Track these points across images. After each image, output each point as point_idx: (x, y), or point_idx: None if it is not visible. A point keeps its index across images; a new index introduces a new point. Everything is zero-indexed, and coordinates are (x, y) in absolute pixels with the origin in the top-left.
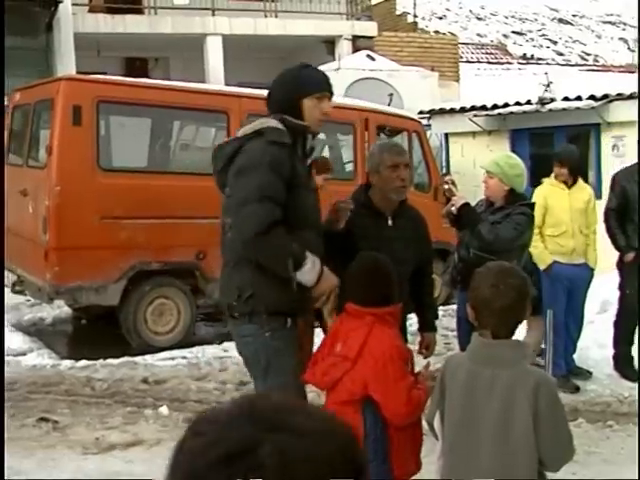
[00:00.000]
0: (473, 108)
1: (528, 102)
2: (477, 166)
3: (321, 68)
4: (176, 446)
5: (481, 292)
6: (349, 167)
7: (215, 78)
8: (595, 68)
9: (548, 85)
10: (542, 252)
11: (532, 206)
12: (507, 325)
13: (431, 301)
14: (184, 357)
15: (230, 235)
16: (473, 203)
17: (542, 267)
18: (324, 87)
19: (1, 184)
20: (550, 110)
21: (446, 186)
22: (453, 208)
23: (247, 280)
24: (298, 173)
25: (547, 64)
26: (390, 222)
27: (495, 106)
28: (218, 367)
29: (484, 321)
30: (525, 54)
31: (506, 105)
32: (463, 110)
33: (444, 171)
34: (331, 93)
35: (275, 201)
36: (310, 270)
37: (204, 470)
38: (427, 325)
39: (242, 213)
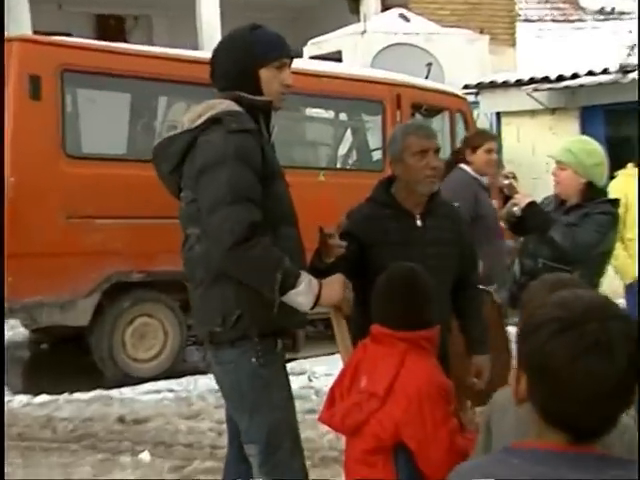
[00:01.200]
0: (533, 80)
1: (605, 71)
2: (537, 153)
3: (343, 31)
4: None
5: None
6: (377, 155)
7: (210, 43)
8: None
9: (632, 48)
10: (625, 262)
11: (615, 203)
12: None
13: (479, 316)
14: (171, 390)
15: (199, 249)
16: (535, 198)
17: (626, 281)
18: (283, 52)
19: (1, 184)
20: (633, 80)
21: (505, 181)
22: (516, 209)
23: (231, 300)
24: (269, 160)
25: (631, 19)
26: (419, 222)
27: (561, 77)
28: (213, 402)
29: None
30: (603, 8)
31: (575, 76)
32: (520, 83)
33: None
34: (291, 58)
35: (251, 199)
36: (305, 292)
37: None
38: (476, 346)
39: (213, 220)
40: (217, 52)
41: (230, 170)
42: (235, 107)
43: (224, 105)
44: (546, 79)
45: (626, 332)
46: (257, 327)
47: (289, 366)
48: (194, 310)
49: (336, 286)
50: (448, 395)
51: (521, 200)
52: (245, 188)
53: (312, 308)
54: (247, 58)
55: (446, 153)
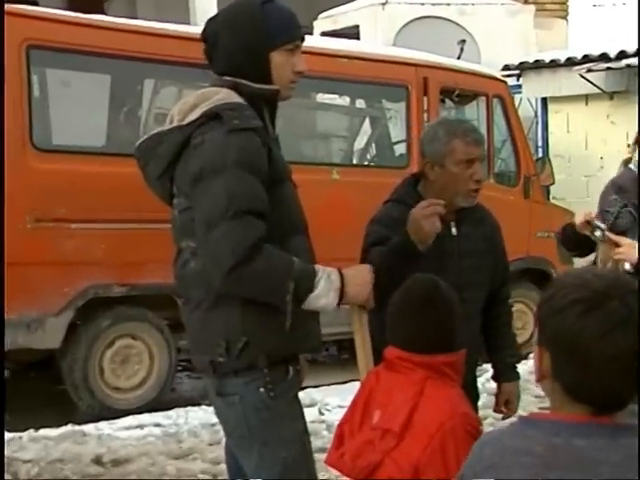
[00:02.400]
0: (587, 59)
1: None
2: (590, 146)
3: (360, 2)
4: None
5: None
6: (400, 149)
7: (204, 17)
8: None
9: None
10: None
11: None
12: None
13: (510, 337)
14: (158, 424)
15: (194, 265)
16: (585, 200)
17: None
18: (297, 32)
19: (1, 183)
20: None
21: (597, 233)
22: (627, 266)
23: (236, 325)
24: (276, 162)
25: None
26: (454, 230)
27: (622, 55)
28: (207, 439)
29: None
30: None
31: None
32: (571, 62)
33: (540, 154)
34: (303, 39)
35: (255, 212)
36: (326, 291)
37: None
38: (507, 372)
39: (211, 238)
40: (218, 28)
41: (230, 179)
42: (235, 97)
43: (221, 95)
44: (603, 57)
45: None
46: (266, 355)
47: None
48: (191, 336)
49: (362, 278)
50: (475, 430)
51: (630, 255)
52: (248, 200)
53: (338, 306)
54: (257, 38)
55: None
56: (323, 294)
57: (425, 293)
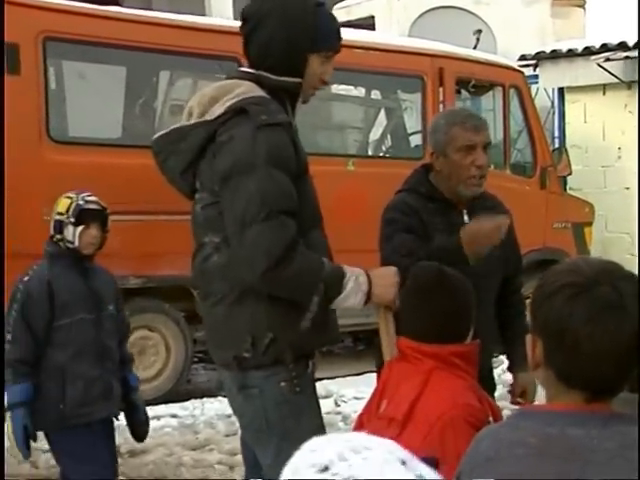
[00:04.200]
0: (605, 48)
1: None
2: (608, 137)
3: None
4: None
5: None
6: (415, 140)
7: (220, 9)
8: None
9: None
10: None
11: None
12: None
13: (524, 327)
14: (174, 416)
15: (218, 259)
16: (602, 191)
17: None
18: (338, 43)
19: (1, 184)
20: None
21: None
22: None
23: (262, 320)
24: (301, 156)
25: None
26: (466, 218)
27: None
28: (223, 430)
29: None
30: None
31: None
32: (589, 52)
33: (557, 144)
34: (338, 52)
35: (288, 212)
36: (354, 293)
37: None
38: (520, 362)
39: (246, 239)
40: (264, 13)
41: (262, 177)
42: (257, 91)
43: (243, 89)
44: (622, 46)
45: (634, 291)
46: (292, 350)
47: None
48: (211, 330)
49: (389, 280)
50: (477, 421)
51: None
52: (281, 199)
53: (365, 305)
54: (305, 36)
55: (498, 137)
56: (351, 295)
57: (431, 280)
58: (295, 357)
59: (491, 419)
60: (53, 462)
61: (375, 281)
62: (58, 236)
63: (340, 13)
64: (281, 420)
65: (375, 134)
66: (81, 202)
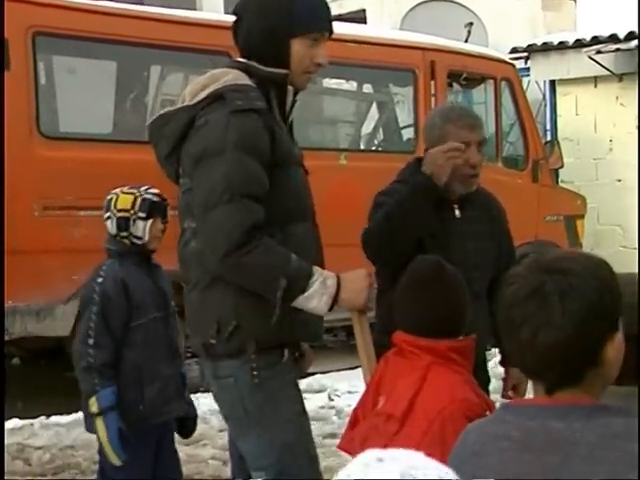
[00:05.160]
0: (596, 40)
1: None
2: (600, 129)
3: None
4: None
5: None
6: (408, 134)
7: (211, 3)
8: None
9: None
10: None
11: None
12: None
13: None
14: None
15: (195, 245)
16: (594, 183)
17: None
18: (324, 23)
19: (1, 184)
20: None
21: None
22: None
23: (229, 307)
24: (281, 145)
25: None
26: (458, 213)
27: (631, 35)
28: (217, 426)
29: None
30: None
31: None
32: (580, 44)
33: (549, 137)
34: (331, 32)
35: (253, 196)
36: (319, 294)
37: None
38: None
39: (208, 221)
40: (247, 5)
41: (230, 161)
42: (244, 79)
43: (230, 77)
44: (613, 38)
45: (565, 288)
46: (255, 341)
47: (305, 382)
48: (188, 316)
49: (359, 284)
50: (476, 415)
51: None
52: (246, 183)
53: (330, 310)
54: (281, 22)
55: (490, 130)
56: (315, 296)
57: (429, 274)
58: (259, 347)
59: (488, 413)
60: (46, 458)
61: (344, 285)
62: (123, 233)
63: (332, 7)
64: (258, 408)
65: (367, 128)
66: (148, 196)
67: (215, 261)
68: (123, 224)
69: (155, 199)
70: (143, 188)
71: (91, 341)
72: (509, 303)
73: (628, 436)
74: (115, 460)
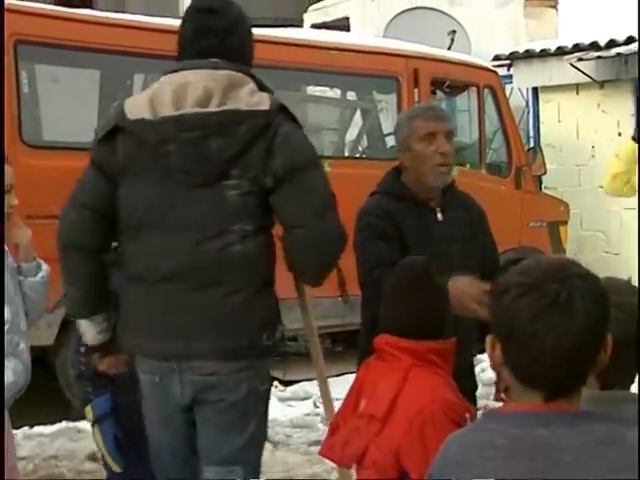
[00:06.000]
0: (578, 48)
1: None
2: (582, 135)
3: None
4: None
5: None
6: (391, 141)
7: None
8: None
9: None
10: None
11: None
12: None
13: None
14: None
15: (242, 248)
16: (577, 189)
17: None
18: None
19: (1, 184)
20: None
21: None
22: None
23: (274, 311)
24: None
25: None
26: (440, 216)
27: (612, 43)
28: None
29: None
30: None
31: (630, 41)
32: (562, 52)
33: (532, 144)
34: None
35: None
36: None
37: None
38: None
39: (323, 226)
40: (235, 20)
41: (322, 172)
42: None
43: (252, 85)
44: (594, 46)
45: (585, 289)
46: (281, 336)
47: (290, 390)
48: (222, 319)
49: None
50: (457, 416)
51: None
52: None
53: None
54: (249, 32)
55: (473, 136)
56: None
57: (415, 277)
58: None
59: (467, 416)
60: (29, 468)
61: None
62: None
63: (315, 15)
64: (262, 406)
65: (351, 135)
66: None
67: (329, 261)
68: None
69: None
70: None
71: (82, 349)
72: (527, 315)
73: (610, 442)
74: (115, 467)
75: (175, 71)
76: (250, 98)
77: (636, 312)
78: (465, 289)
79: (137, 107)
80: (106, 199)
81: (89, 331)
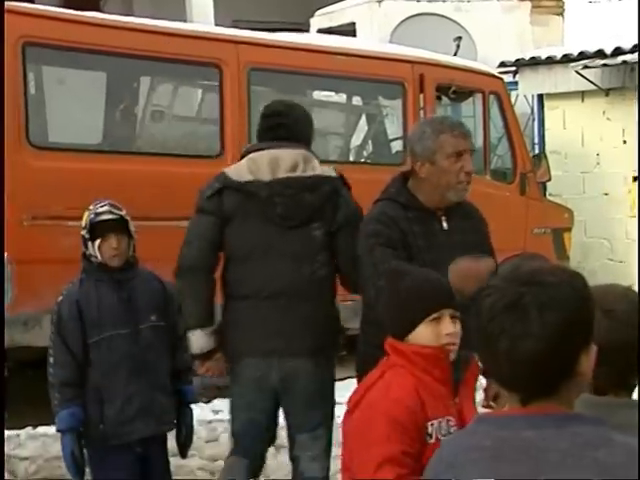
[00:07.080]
0: (583, 56)
1: None
2: (587, 143)
3: None
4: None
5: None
6: (396, 146)
7: (200, 15)
8: None
9: None
10: None
11: None
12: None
13: None
14: None
15: (323, 272)
16: (581, 197)
17: None
18: None
19: (1, 185)
20: None
21: None
22: None
23: (339, 317)
24: None
25: None
26: (445, 224)
27: (618, 51)
28: (204, 436)
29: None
30: None
31: (637, 48)
32: (568, 59)
33: (537, 150)
34: None
35: None
36: None
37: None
38: None
39: (362, 264)
40: (299, 119)
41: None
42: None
43: (316, 159)
44: (600, 54)
45: (549, 297)
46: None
47: None
48: (312, 325)
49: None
50: (408, 422)
51: None
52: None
53: None
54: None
55: (478, 143)
56: None
57: (400, 273)
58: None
59: (434, 424)
60: (32, 469)
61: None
62: (86, 251)
63: (322, 20)
64: (333, 387)
65: (356, 140)
66: (92, 215)
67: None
68: (83, 243)
69: (97, 219)
70: (97, 204)
71: (51, 360)
72: (487, 315)
73: (598, 444)
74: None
75: (260, 149)
76: (322, 167)
77: (631, 319)
78: (466, 269)
79: (240, 173)
80: (217, 236)
81: (201, 339)
